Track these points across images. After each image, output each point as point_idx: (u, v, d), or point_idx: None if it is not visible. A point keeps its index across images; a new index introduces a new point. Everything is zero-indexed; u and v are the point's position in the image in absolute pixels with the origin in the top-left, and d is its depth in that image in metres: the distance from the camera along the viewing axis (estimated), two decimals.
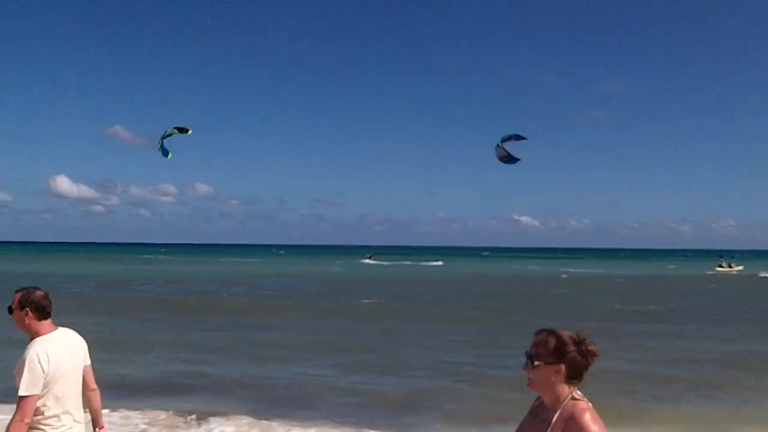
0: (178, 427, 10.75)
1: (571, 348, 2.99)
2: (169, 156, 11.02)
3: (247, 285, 42.17)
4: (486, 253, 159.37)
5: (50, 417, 4.47)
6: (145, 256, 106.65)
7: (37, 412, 4.42)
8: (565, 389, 2.98)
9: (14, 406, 4.38)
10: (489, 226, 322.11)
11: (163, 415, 11.13)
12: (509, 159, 14.06)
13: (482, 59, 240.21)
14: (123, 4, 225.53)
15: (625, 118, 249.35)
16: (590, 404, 2.96)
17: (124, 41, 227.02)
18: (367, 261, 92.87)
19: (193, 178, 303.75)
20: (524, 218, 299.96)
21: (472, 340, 19.81)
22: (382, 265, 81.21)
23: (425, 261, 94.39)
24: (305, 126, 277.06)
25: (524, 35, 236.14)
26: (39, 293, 4.62)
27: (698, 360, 16.88)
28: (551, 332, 3.06)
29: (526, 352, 3.05)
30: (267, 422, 10.88)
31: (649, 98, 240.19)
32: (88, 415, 5.01)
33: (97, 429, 4.97)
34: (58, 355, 4.49)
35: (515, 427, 3.18)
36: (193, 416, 10.99)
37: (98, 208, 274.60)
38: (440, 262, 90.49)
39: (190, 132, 10.77)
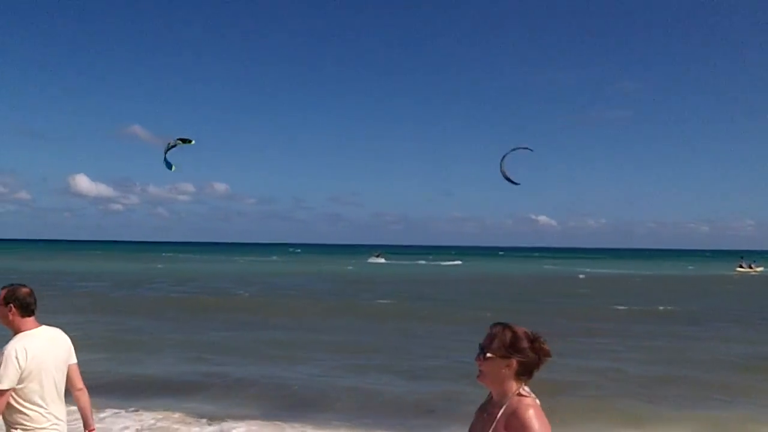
0: (190, 424, 10.73)
1: (525, 344, 3.00)
2: (173, 169, 11.07)
3: (261, 284, 42.22)
4: (502, 252, 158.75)
5: (29, 413, 4.46)
6: (163, 254, 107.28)
7: (15, 407, 4.41)
8: (513, 385, 2.99)
9: None
10: (505, 225, 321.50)
11: (175, 415, 11.07)
12: (510, 181, 13.98)
13: (498, 59, 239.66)
14: (144, 4, 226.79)
15: (642, 117, 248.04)
16: (537, 401, 2.97)
17: (143, 41, 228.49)
18: (375, 260, 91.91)
19: (210, 177, 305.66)
20: (541, 218, 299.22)
21: None
22: (398, 264, 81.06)
23: (443, 260, 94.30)
24: (321, 125, 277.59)
25: (540, 34, 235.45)
26: (24, 290, 4.66)
27: (714, 362, 16.63)
28: (507, 326, 3.06)
29: (480, 344, 3.06)
30: (280, 423, 10.78)
31: (666, 97, 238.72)
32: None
33: (86, 430, 4.91)
34: (38, 352, 4.48)
35: None
36: (204, 419, 10.93)
37: (117, 206, 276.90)
38: (459, 262, 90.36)
39: (193, 142, 10.81)
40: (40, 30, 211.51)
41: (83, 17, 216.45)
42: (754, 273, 68.84)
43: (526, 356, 2.99)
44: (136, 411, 11.16)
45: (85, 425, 4.92)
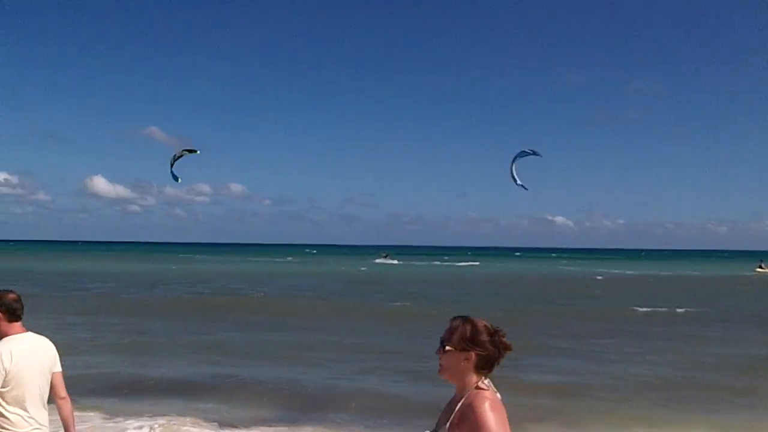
0: (202, 428, 10.61)
1: (485, 337, 3.00)
2: (179, 181, 11.12)
3: (275, 285, 42.18)
4: (518, 253, 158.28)
5: (10, 416, 4.47)
6: (179, 255, 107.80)
7: None
8: (473, 378, 2.99)
9: None
10: (521, 226, 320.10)
11: (186, 418, 10.97)
12: (519, 185, 13.79)
13: (512, 60, 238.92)
14: (160, 5, 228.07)
15: (658, 117, 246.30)
16: (498, 395, 2.97)
17: (160, 43, 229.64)
18: (383, 260, 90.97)
19: (227, 178, 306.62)
20: (558, 218, 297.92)
21: (519, 344, 19.31)
22: (414, 265, 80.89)
23: (459, 261, 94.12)
24: (337, 125, 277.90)
25: (555, 35, 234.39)
26: (11, 296, 4.64)
27: (733, 365, 16.31)
28: (467, 319, 3.07)
29: (440, 337, 3.07)
30: (293, 427, 10.70)
31: (683, 96, 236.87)
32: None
33: None
34: (22, 356, 4.49)
35: None
36: (216, 422, 10.82)
37: (134, 208, 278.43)
38: (476, 263, 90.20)
39: (198, 152, 10.89)
40: (57, 32, 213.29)
41: (100, 18, 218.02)
42: None
43: (485, 349, 2.99)
44: (148, 415, 11.05)
45: None
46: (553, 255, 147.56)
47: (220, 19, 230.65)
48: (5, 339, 4.54)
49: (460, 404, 2.95)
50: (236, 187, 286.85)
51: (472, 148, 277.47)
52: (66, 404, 4.87)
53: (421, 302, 30.57)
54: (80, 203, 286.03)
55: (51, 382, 4.74)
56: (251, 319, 24.08)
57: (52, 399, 4.81)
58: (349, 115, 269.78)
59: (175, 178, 11.40)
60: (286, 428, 10.67)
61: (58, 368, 4.80)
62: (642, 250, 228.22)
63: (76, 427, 4.97)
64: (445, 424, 2.98)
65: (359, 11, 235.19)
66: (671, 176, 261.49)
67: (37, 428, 4.58)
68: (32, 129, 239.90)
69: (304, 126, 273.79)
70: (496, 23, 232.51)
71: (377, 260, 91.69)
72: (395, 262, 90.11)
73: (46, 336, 4.90)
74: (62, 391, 4.83)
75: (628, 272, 69.67)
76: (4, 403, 4.44)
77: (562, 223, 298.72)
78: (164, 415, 11.07)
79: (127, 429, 10.33)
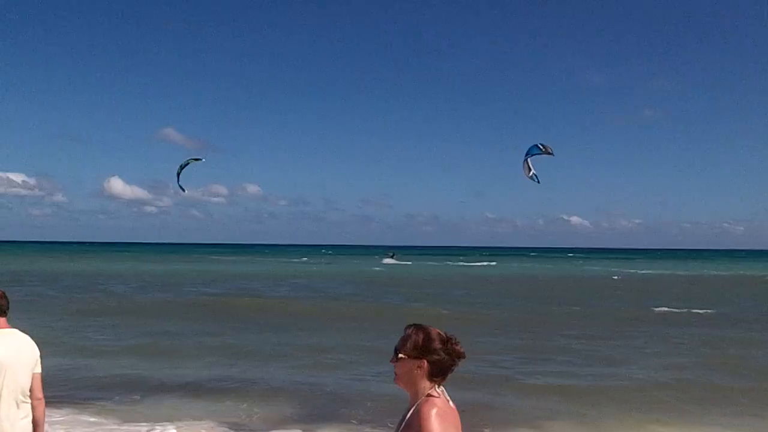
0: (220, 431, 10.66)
1: (437, 345, 3.02)
2: (185, 191, 11.30)
3: (292, 286, 42.22)
4: (533, 253, 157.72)
5: None
6: (196, 255, 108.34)
7: None
8: (426, 386, 3.01)
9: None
10: (537, 226, 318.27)
11: (205, 422, 10.99)
12: (533, 174, 13.77)
13: (527, 57, 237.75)
14: (175, 6, 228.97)
15: (676, 117, 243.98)
16: (451, 404, 3.00)
17: (176, 44, 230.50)
18: (388, 261, 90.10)
19: (243, 179, 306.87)
20: (573, 218, 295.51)
21: (523, 345, 19.28)
22: (430, 266, 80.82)
23: (476, 261, 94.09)
24: (352, 126, 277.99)
25: (571, 33, 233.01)
26: None
27: (751, 368, 16.10)
28: (420, 327, 3.09)
29: (395, 346, 3.09)
30: (313, 429, 10.70)
31: (701, 96, 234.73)
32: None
33: None
34: (8, 351, 4.58)
35: None
36: (233, 426, 10.84)
37: (151, 209, 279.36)
38: (494, 263, 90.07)
39: (203, 160, 11.07)
40: (74, 34, 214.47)
41: (117, 20, 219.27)
42: None
43: (438, 357, 3.01)
44: (165, 418, 11.07)
45: None
46: (570, 255, 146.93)
47: (236, 20, 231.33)
48: None
49: (410, 412, 2.98)
50: (252, 188, 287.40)
51: (489, 147, 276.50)
52: (41, 405, 4.91)
53: (438, 303, 30.50)
54: (98, 204, 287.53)
55: (31, 383, 4.78)
56: (267, 320, 24.07)
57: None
58: (364, 115, 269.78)
59: (182, 189, 11.60)
60: (304, 431, 10.69)
61: (39, 369, 4.87)
62: (658, 250, 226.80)
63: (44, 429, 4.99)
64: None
65: (375, 11, 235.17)
66: (688, 175, 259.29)
67: (10, 428, 4.60)
68: (50, 131, 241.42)
69: (320, 126, 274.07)
70: (514, 22, 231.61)
71: (384, 260, 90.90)
72: (401, 262, 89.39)
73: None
74: (38, 392, 4.88)
75: (644, 272, 69.33)
76: None
77: (578, 222, 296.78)
78: (180, 420, 11.09)
79: None
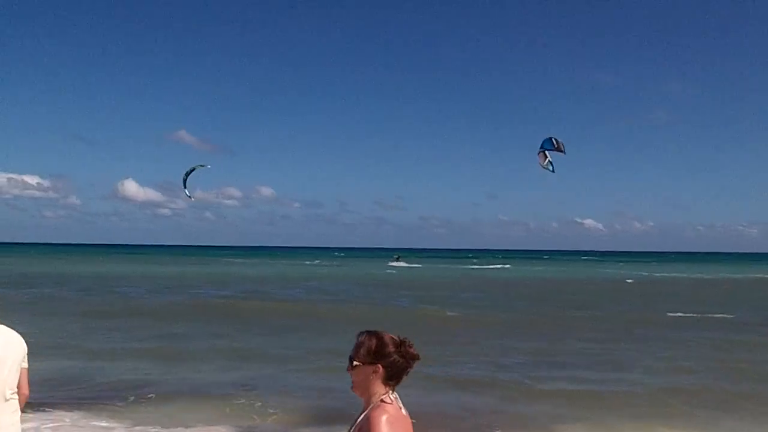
0: None
1: (391, 349, 3.06)
2: (192, 199, 11.38)
3: (305, 288, 42.21)
4: (547, 256, 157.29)
5: None
6: (210, 258, 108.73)
7: None
8: (380, 390, 3.05)
9: None
10: (551, 229, 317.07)
11: (218, 427, 10.98)
12: (548, 161, 13.78)
13: (539, 59, 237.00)
14: (188, 8, 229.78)
15: (690, 119, 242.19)
16: (403, 411, 3.03)
17: (189, 45, 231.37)
18: (395, 263, 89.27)
19: (256, 181, 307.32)
20: (587, 221, 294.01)
21: (534, 349, 19.12)
22: (444, 268, 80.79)
23: (490, 264, 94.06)
24: (365, 128, 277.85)
25: (581, 33, 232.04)
26: None
27: (760, 374, 15.84)
28: (372, 333, 3.13)
29: (349, 355, 3.12)
30: None
31: (714, 98, 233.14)
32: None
33: None
34: None
35: None
36: (246, 430, 10.83)
37: (164, 211, 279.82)
38: (508, 266, 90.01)
39: (208, 166, 11.19)
40: (88, 36, 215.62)
41: (130, 22, 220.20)
42: None
43: (393, 360, 3.05)
44: (178, 423, 11.05)
45: None
46: (584, 258, 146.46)
47: (249, 21, 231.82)
48: None
49: (362, 417, 3.00)
50: (265, 190, 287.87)
51: (502, 149, 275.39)
52: (23, 400, 4.98)
53: (448, 305, 30.38)
54: (111, 207, 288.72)
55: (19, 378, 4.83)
56: (278, 323, 24.05)
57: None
58: (378, 117, 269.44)
59: (189, 196, 11.72)
60: None
61: (26, 364, 4.97)
62: (672, 253, 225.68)
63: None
64: None
65: (388, 12, 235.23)
66: (702, 178, 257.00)
67: None
68: (64, 133, 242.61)
69: (333, 128, 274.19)
70: (527, 23, 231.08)
71: (390, 263, 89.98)
72: (408, 265, 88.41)
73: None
74: (25, 388, 4.96)
75: (658, 275, 68.94)
76: None
77: (592, 225, 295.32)
78: (194, 422, 11.08)
79: None
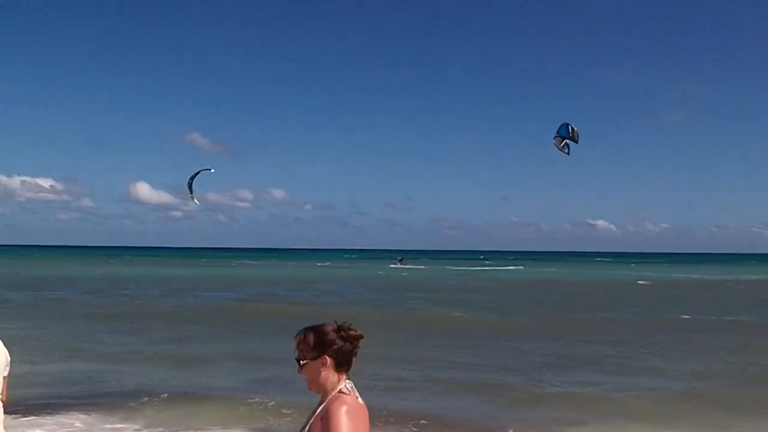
0: None
1: (332, 336, 3.06)
2: (198, 203, 11.40)
3: (313, 291, 42.19)
4: (559, 258, 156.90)
5: None
6: (221, 260, 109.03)
7: None
8: (334, 380, 3.05)
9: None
10: (563, 230, 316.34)
11: (234, 430, 10.97)
12: (566, 151, 13.77)
13: (554, 59, 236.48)
14: (200, 11, 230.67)
15: (703, 119, 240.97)
16: (360, 400, 3.04)
17: (201, 48, 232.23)
18: (397, 265, 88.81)
19: (268, 184, 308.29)
20: (599, 222, 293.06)
21: (545, 352, 19.00)
22: (458, 270, 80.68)
23: (503, 266, 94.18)
24: (377, 130, 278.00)
25: (595, 33, 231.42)
26: None
27: None
28: (310, 329, 3.13)
29: (294, 358, 3.12)
30: None
31: (728, 98, 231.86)
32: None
33: None
34: None
35: None
36: None
37: (177, 213, 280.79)
38: (521, 267, 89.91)
39: (212, 170, 11.23)
40: (99, 39, 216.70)
41: (143, 25, 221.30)
42: None
43: (338, 346, 3.06)
44: (194, 428, 11.01)
45: None
46: (596, 259, 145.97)
47: (261, 24, 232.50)
48: None
49: (320, 409, 3.01)
50: (278, 193, 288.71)
51: (513, 150, 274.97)
52: (3, 406, 5.09)
53: (464, 309, 30.33)
54: (124, 209, 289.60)
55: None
56: (290, 325, 23.83)
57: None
58: (390, 119, 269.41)
59: (194, 200, 11.77)
60: None
61: (6, 372, 5.00)
62: (685, 254, 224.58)
63: None
64: (305, 428, 3.02)
65: (401, 12, 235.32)
66: (715, 179, 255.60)
67: None
68: (77, 136, 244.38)
69: (345, 130, 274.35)
70: (540, 23, 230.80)
71: (391, 265, 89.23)
72: (409, 266, 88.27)
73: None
74: (4, 395, 5.14)
75: (671, 276, 68.61)
76: None
77: (604, 227, 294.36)
78: (208, 424, 11.08)
79: None
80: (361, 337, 3.13)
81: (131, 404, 12.39)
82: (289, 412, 11.96)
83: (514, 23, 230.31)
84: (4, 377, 4.99)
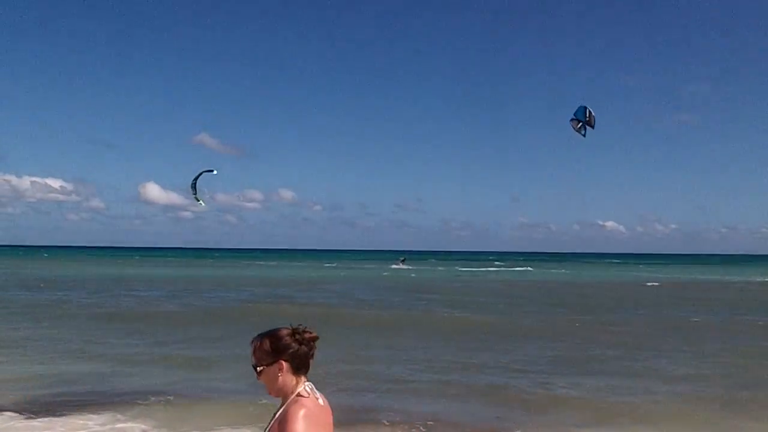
0: None
1: (287, 340, 3.08)
2: (202, 204, 11.42)
3: (320, 292, 42.18)
4: (568, 259, 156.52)
5: None
6: (230, 260, 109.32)
7: None
8: (292, 384, 3.07)
9: None
10: (572, 231, 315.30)
11: (245, 430, 10.99)
12: (582, 132, 13.75)
13: (561, 60, 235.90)
14: (208, 13, 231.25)
15: (713, 120, 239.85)
16: (321, 401, 3.07)
17: (210, 49, 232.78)
18: (398, 266, 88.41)
19: (277, 185, 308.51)
20: (609, 223, 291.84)
21: (554, 355, 18.95)
22: (468, 271, 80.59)
23: (512, 267, 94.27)
24: (387, 131, 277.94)
25: (608, 37, 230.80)
26: None
27: None
28: (264, 335, 3.15)
29: (251, 366, 3.14)
30: None
31: (737, 100, 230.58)
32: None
33: None
34: None
35: None
36: None
37: (186, 214, 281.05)
38: (530, 268, 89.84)
39: (215, 172, 11.24)
40: (108, 40, 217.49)
41: (151, 27, 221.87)
42: None
43: (293, 350, 3.07)
44: (206, 429, 11.04)
45: None
46: (606, 261, 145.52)
47: (269, 25, 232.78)
48: None
49: (279, 412, 3.03)
50: (287, 193, 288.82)
51: (523, 151, 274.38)
52: None
53: (471, 310, 30.34)
54: (134, 210, 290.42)
55: None
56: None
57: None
58: (399, 120, 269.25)
59: (198, 200, 11.77)
60: None
61: None
62: (695, 255, 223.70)
63: None
64: None
65: (409, 13, 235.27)
66: (725, 180, 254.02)
67: None
68: (87, 136, 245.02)
69: (354, 131, 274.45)
70: (550, 26, 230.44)
71: (392, 265, 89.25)
72: (402, 266, 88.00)
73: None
74: None
75: (680, 278, 68.24)
76: None
77: (614, 228, 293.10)
78: (219, 426, 11.11)
79: None
80: (317, 338, 3.14)
81: (143, 405, 12.45)
82: None
83: (523, 25, 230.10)
84: None
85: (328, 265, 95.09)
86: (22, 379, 14.69)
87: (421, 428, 11.35)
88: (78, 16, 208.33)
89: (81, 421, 11.28)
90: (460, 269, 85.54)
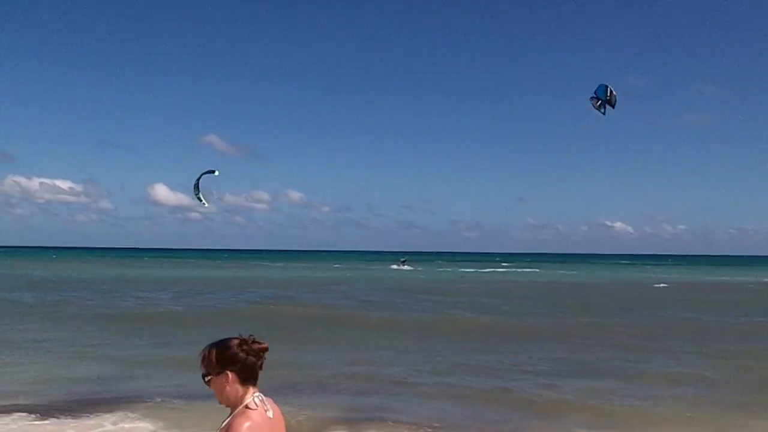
0: None
1: (235, 350, 3.06)
2: (205, 204, 11.48)
3: (326, 293, 42.18)
4: (576, 260, 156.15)
5: None
6: (238, 261, 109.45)
7: None
8: (240, 395, 3.06)
9: None
10: (580, 232, 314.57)
11: None
12: (602, 110, 13.76)
13: (568, 61, 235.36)
14: (216, 15, 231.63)
15: (720, 120, 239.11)
16: (269, 413, 3.05)
17: (217, 49, 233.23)
18: (399, 267, 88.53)
19: (285, 186, 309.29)
20: (617, 224, 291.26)
21: (560, 358, 18.94)
22: (475, 272, 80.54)
23: (519, 268, 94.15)
24: (394, 132, 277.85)
25: (614, 37, 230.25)
26: None
27: None
28: (213, 345, 3.13)
29: (201, 375, 3.13)
30: None
31: (745, 99, 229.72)
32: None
33: None
34: None
35: None
36: None
37: (194, 215, 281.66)
38: (538, 269, 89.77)
39: (217, 173, 11.29)
40: (117, 42, 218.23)
41: (160, 30, 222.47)
42: None
43: (240, 362, 3.06)
44: (216, 427, 11.10)
45: None
46: (614, 262, 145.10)
47: (278, 26, 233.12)
48: None
49: (225, 422, 3.02)
50: (295, 194, 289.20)
51: (530, 153, 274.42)
52: None
53: (477, 312, 30.33)
54: (142, 211, 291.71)
55: None
56: (304, 327, 24.06)
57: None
58: (406, 121, 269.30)
59: (200, 201, 11.84)
60: None
61: None
62: (703, 256, 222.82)
63: None
64: None
65: (415, 14, 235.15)
66: (732, 180, 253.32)
67: None
68: (95, 138, 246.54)
69: (361, 132, 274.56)
70: (556, 26, 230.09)
71: (393, 266, 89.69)
72: (406, 267, 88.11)
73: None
74: None
75: (689, 279, 67.97)
76: None
77: (622, 228, 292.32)
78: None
79: None
80: (266, 349, 3.13)
81: (150, 406, 12.53)
82: (304, 414, 12.05)
83: (531, 25, 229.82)
84: None
85: (336, 266, 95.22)
86: (33, 380, 14.83)
87: (427, 429, 11.40)
88: (87, 17, 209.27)
89: (92, 422, 11.40)
90: (467, 270, 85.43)
